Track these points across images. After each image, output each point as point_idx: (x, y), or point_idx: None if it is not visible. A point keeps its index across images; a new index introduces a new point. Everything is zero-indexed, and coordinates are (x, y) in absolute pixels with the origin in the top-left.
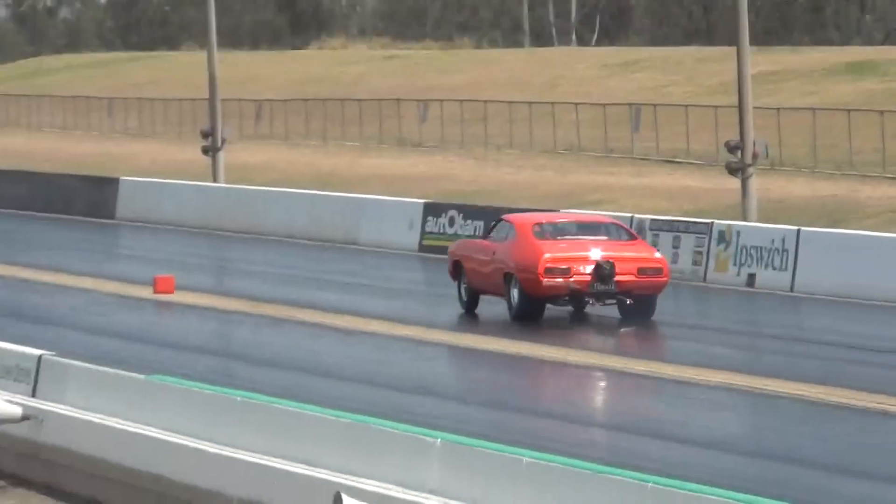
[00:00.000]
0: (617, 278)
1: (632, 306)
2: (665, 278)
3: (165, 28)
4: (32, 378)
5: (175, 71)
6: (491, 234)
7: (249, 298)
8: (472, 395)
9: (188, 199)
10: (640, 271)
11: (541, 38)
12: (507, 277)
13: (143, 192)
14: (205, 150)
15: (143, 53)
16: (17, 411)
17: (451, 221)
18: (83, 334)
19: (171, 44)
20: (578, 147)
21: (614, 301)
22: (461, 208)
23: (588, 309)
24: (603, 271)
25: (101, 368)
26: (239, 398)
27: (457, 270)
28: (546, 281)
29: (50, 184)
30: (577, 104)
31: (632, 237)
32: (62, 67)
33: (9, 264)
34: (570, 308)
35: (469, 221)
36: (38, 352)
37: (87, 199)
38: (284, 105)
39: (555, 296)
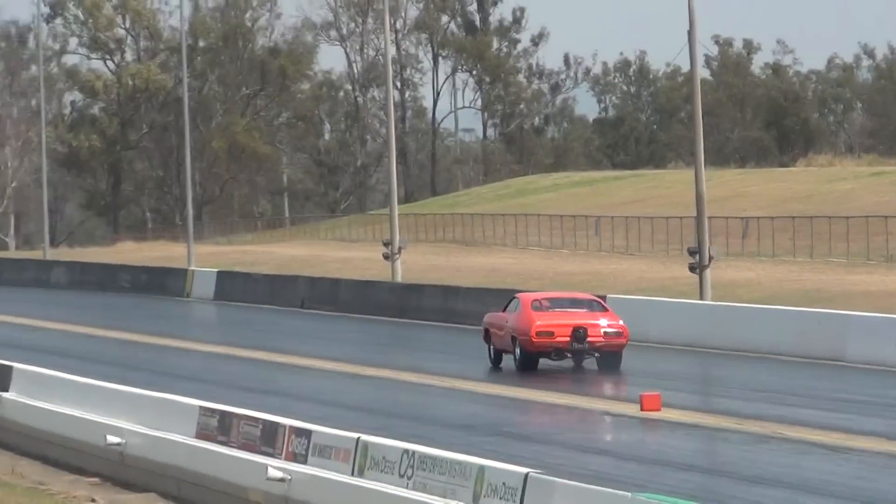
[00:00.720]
0: (589, 339)
1: (601, 359)
2: (624, 340)
3: (652, 146)
4: (519, 496)
5: (661, 189)
6: (507, 308)
7: (735, 415)
8: None
9: (674, 317)
10: (606, 334)
11: None
12: (513, 339)
13: (629, 309)
14: (692, 268)
15: (629, 172)
16: None
17: None
18: (568, 451)
19: (658, 162)
20: None
21: (593, 354)
22: None
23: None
24: (578, 334)
25: (587, 486)
26: None
27: (486, 336)
28: (536, 341)
29: None
30: None
31: (604, 309)
32: (549, 186)
33: (494, 383)
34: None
35: None
36: (524, 470)
37: None
38: (771, 222)
39: (543, 352)
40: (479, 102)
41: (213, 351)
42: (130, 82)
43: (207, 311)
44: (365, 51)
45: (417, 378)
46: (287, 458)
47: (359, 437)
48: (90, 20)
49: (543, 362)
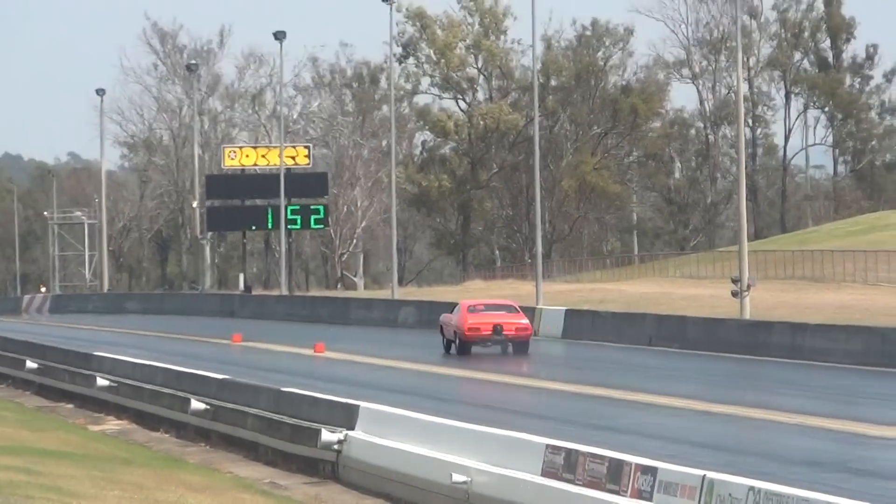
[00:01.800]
0: (504, 333)
1: (515, 347)
2: (528, 333)
3: None
4: None
5: None
6: (453, 311)
7: None
8: None
9: None
10: (516, 329)
11: None
12: (454, 332)
13: None
14: None
15: None
16: None
17: None
18: None
19: None
20: None
21: (506, 343)
22: None
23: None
24: (497, 329)
25: None
26: None
27: (441, 330)
28: (468, 334)
29: (886, 338)
30: None
31: (517, 311)
32: None
33: (843, 418)
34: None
35: None
36: None
37: None
38: None
39: (474, 341)
40: (830, 139)
41: (561, 388)
42: (481, 122)
43: (555, 349)
44: (717, 88)
45: (765, 414)
46: (632, 496)
47: (704, 475)
48: (442, 60)
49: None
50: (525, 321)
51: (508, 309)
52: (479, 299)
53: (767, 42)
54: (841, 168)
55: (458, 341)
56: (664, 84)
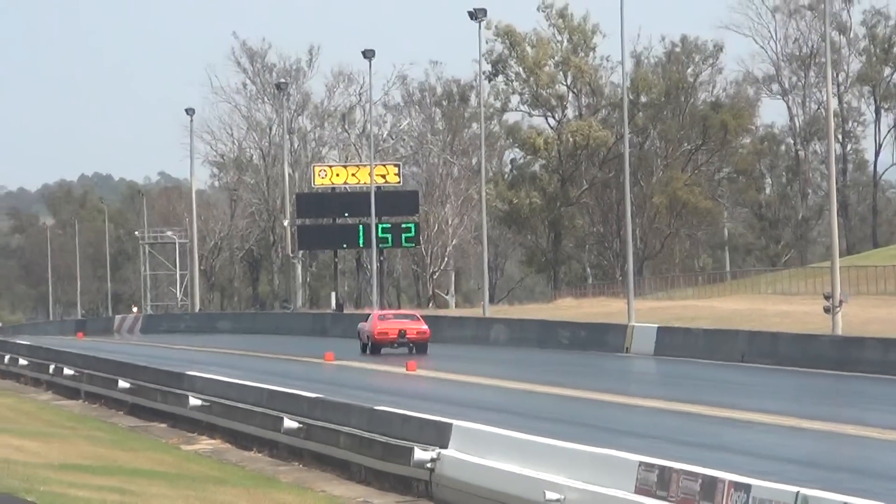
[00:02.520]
0: (407, 336)
1: (417, 348)
2: (427, 335)
3: None
4: None
5: None
6: (367, 320)
7: None
8: None
9: None
10: (417, 332)
11: None
12: (367, 336)
13: None
14: None
15: None
16: None
17: None
18: None
19: None
20: None
21: (409, 345)
22: None
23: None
24: (401, 333)
25: None
26: None
27: (358, 335)
28: (378, 337)
29: None
30: None
31: (418, 320)
32: None
33: None
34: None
35: None
36: None
37: None
38: None
39: (383, 343)
40: None
41: (654, 406)
42: (571, 139)
43: (647, 366)
44: (807, 104)
45: (858, 431)
46: None
47: (798, 491)
48: (531, 78)
49: None
50: (424, 327)
51: (411, 318)
52: (388, 310)
53: (857, 57)
54: None
55: (370, 343)
56: (754, 100)
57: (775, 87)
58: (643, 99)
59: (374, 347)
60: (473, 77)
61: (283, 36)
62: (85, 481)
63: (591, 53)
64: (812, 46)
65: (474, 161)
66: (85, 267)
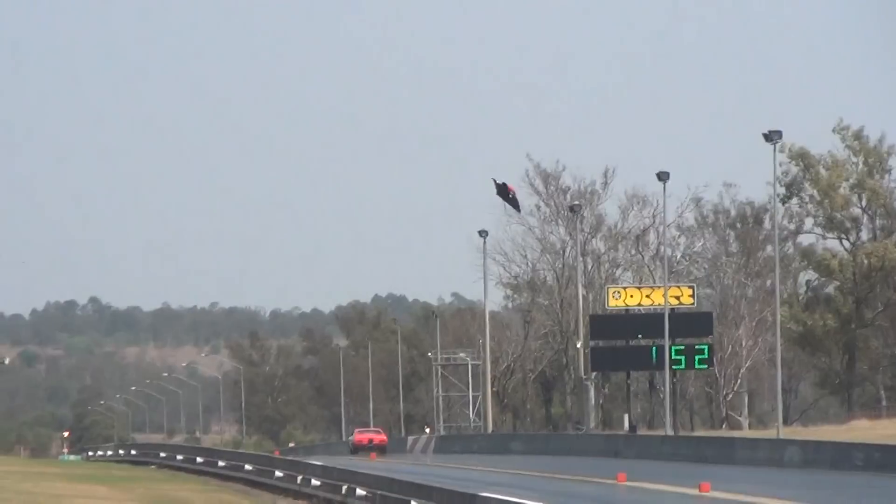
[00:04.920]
0: (373, 442)
1: (378, 451)
2: (385, 441)
3: None
4: None
5: None
6: (352, 433)
7: None
8: None
9: None
10: (378, 441)
11: None
12: (351, 442)
13: None
14: None
15: None
16: None
17: None
18: None
19: None
20: None
21: (377, 448)
22: None
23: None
24: (371, 440)
25: None
26: None
27: (349, 443)
28: (355, 445)
29: None
30: None
31: (381, 433)
32: None
33: None
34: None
35: None
36: None
37: None
38: None
39: (360, 449)
40: None
41: None
42: (866, 261)
43: None
44: None
45: None
46: None
47: None
48: (825, 200)
49: None
50: (383, 436)
51: (377, 432)
52: (364, 428)
53: None
54: None
55: (352, 447)
56: None
57: None
58: None
59: (354, 450)
60: (767, 199)
61: (578, 158)
62: None
63: (887, 175)
64: None
65: (768, 283)
66: (377, 388)
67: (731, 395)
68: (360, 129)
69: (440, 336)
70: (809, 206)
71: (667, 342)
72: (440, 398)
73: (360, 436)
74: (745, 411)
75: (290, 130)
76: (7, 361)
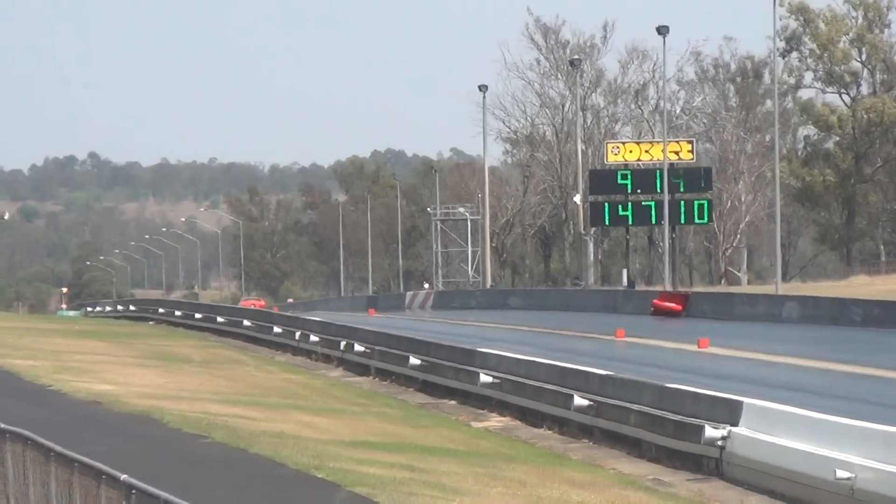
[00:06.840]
0: (255, 305)
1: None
2: (263, 305)
3: None
4: None
5: None
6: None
7: None
8: None
9: None
10: (257, 306)
11: None
12: None
13: None
14: None
15: None
16: None
17: None
18: None
19: None
20: None
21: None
22: None
23: None
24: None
25: None
26: None
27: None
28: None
29: None
30: None
31: (261, 300)
32: None
33: None
34: None
35: None
36: None
37: None
38: None
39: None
40: None
41: None
42: (865, 116)
43: None
44: None
45: None
46: None
47: None
48: (825, 54)
49: None
50: (262, 302)
51: (255, 298)
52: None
53: None
54: None
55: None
56: None
57: None
58: None
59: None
60: (767, 53)
61: (577, 12)
62: (375, 458)
63: (886, 30)
64: None
65: (768, 138)
66: (377, 243)
67: (730, 251)
68: None
69: (439, 191)
70: (809, 60)
71: (666, 197)
72: (439, 254)
73: (245, 303)
74: (744, 267)
75: None
76: (7, 216)
